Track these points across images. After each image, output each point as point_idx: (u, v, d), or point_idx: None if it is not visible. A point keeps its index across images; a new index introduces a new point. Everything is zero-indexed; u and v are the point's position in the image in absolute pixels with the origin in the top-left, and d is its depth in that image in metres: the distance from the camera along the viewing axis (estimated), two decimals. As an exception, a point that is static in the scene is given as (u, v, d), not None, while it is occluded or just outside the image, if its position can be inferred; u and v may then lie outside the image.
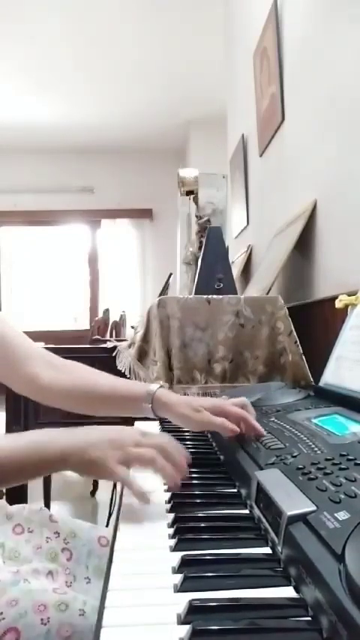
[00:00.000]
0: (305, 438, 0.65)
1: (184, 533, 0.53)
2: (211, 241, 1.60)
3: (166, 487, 0.68)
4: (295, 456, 0.59)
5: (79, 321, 5.96)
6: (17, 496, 1.57)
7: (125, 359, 1.48)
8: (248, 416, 0.76)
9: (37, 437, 0.67)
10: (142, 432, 0.68)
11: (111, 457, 0.63)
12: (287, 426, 0.73)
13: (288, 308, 1.38)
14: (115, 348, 1.63)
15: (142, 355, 1.41)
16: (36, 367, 0.93)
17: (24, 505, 0.95)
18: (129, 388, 0.88)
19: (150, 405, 0.82)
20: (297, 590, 0.42)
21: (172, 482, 0.65)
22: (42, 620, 0.68)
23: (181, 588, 0.43)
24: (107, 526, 1.17)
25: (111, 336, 3.35)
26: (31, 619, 0.68)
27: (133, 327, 2.14)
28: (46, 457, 0.65)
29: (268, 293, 1.55)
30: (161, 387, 0.84)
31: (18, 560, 0.82)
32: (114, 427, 0.68)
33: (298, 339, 1.34)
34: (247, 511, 0.59)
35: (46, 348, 1.04)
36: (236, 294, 1.54)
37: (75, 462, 0.64)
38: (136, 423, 1.02)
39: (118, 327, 3.47)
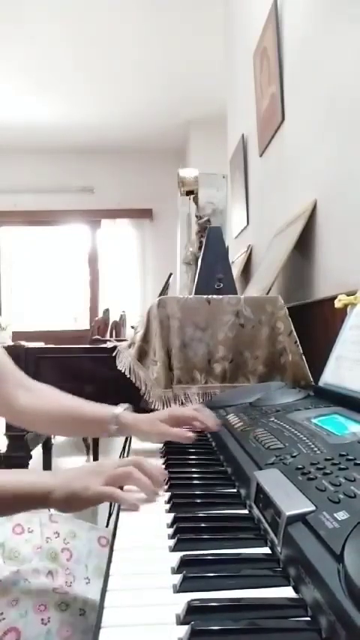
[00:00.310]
0: (305, 438, 0.65)
1: (183, 533, 0.53)
2: (211, 241, 1.60)
3: (165, 487, 0.68)
4: (294, 456, 0.59)
5: (79, 321, 5.96)
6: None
7: (125, 359, 1.48)
8: (198, 415, 0.91)
9: (22, 475, 0.70)
10: (116, 461, 0.73)
11: (93, 483, 0.65)
12: (287, 426, 0.73)
13: (288, 308, 1.38)
14: (115, 348, 1.63)
15: (142, 355, 1.41)
16: (13, 390, 0.95)
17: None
18: (96, 411, 0.93)
19: (116, 427, 0.89)
20: (296, 590, 0.42)
21: (148, 492, 0.66)
22: (42, 620, 0.68)
23: (181, 588, 0.43)
24: (107, 526, 1.18)
25: (111, 336, 3.35)
26: (31, 619, 0.68)
27: (133, 327, 2.14)
28: (30, 494, 0.66)
29: (268, 293, 1.55)
30: (126, 409, 0.92)
31: (18, 560, 0.82)
32: (91, 463, 0.71)
33: (298, 339, 1.34)
34: (246, 511, 0.59)
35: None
36: (236, 294, 1.54)
37: (58, 497, 0.64)
38: None
39: (118, 327, 3.47)
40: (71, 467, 0.72)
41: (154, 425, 0.89)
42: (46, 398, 0.96)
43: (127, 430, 0.91)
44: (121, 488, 0.68)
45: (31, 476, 0.71)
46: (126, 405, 0.95)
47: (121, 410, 0.91)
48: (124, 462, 0.70)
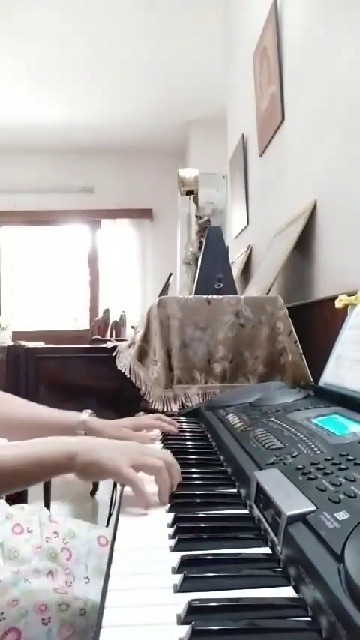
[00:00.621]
0: (305, 438, 0.65)
1: (183, 533, 0.53)
2: (211, 241, 1.60)
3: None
4: (294, 456, 0.59)
5: (79, 321, 5.95)
6: (17, 496, 1.57)
7: (125, 359, 1.48)
8: (161, 424, 0.98)
9: (44, 439, 0.69)
10: (145, 446, 0.72)
11: (119, 458, 0.64)
12: (287, 426, 0.73)
13: (288, 308, 1.38)
14: (115, 348, 1.63)
15: (142, 355, 1.41)
16: None
17: (23, 505, 0.96)
18: (63, 417, 0.96)
19: (84, 432, 0.92)
20: (297, 590, 0.41)
21: (165, 496, 0.64)
22: (43, 619, 0.68)
23: (181, 588, 0.42)
24: (107, 526, 1.18)
25: (111, 336, 3.35)
26: (32, 619, 0.68)
27: (133, 327, 2.14)
28: (52, 456, 0.65)
29: (268, 293, 1.55)
30: (90, 414, 0.96)
31: (17, 560, 0.82)
32: (119, 440, 0.69)
33: (298, 339, 1.34)
34: (246, 511, 0.59)
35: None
36: (236, 294, 1.54)
37: (81, 462, 0.64)
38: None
39: (118, 327, 3.47)
40: (100, 438, 0.70)
41: (121, 431, 0.93)
42: (12, 406, 0.99)
43: (93, 434, 0.93)
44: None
45: (52, 439, 0.70)
46: (90, 411, 0.98)
47: (87, 416, 0.95)
48: (154, 453, 0.68)
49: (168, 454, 0.69)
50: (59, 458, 0.65)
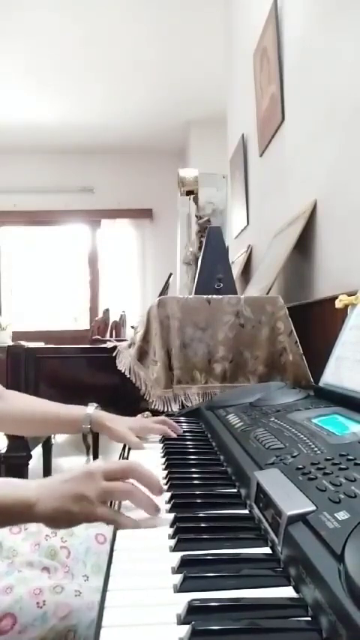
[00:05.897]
0: (305, 438, 0.65)
1: (184, 533, 0.53)
2: (211, 241, 1.60)
3: (165, 487, 0.68)
4: (294, 456, 0.59)
5: (79, 321, 5.96)
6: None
7: (125, 359, 1.48)
8: (166, 430, 0.97)
9: (5, 485, 0.61)
10: (105, 465, 0.64)
11: (86, 498, 0.58)
12: (287, 426, 0.73)
13: (288, 308, 1.38)
14: (115, 348, 1.63)
15: (142, 355, 1.41)
16: None
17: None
18: (69, 412, 0.99)
19: (89, 426, 0.96)
20: (297, 590, 0.41)
21: (152, 509, 0.60)
22: (37, 603, 0.68)
23: (181, 588, 0.42)
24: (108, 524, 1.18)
25: (111, 336, 3.35)
26: (26, 603, 0.68)
27: (133, 327, 2.14)
28: (8, 505, 0.57)
29: (268, 293, 1.55)
30: (96, 408, 0.98)
31: (16, 559, 0.82)
32: (78, 469, 0.61)
33: (298, 339, 1.34)
34: (246, 511, 0.59)
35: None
36: (236, 294, 1.54)
37: (46, 511, 0.57)
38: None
39: (118, 327, 3.47)
40: (58, 475, 0.62)
41: (123, 429, 0.95)
42: (20, 403, 1.01)
43: (98, 428, 0.96)
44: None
45: (10, 484, 0.61)
46: (95, 405, 1.00)
47: (92, 409, 0.98)
48: (115, 467, 0.63)
49: (132, 463, 0.65)
50: (15, 506, 0.57)
